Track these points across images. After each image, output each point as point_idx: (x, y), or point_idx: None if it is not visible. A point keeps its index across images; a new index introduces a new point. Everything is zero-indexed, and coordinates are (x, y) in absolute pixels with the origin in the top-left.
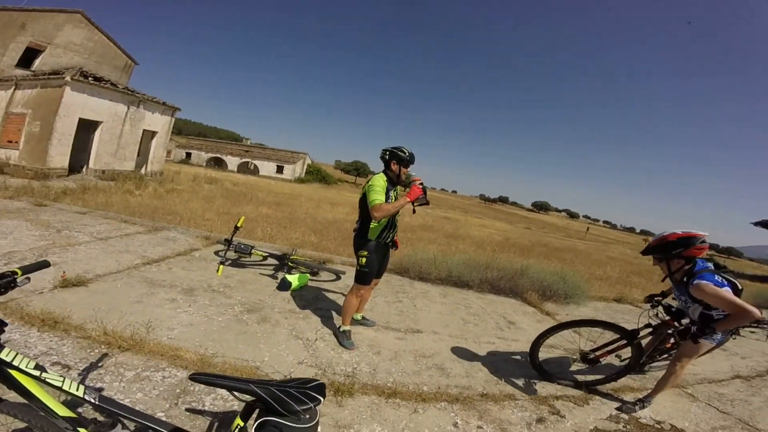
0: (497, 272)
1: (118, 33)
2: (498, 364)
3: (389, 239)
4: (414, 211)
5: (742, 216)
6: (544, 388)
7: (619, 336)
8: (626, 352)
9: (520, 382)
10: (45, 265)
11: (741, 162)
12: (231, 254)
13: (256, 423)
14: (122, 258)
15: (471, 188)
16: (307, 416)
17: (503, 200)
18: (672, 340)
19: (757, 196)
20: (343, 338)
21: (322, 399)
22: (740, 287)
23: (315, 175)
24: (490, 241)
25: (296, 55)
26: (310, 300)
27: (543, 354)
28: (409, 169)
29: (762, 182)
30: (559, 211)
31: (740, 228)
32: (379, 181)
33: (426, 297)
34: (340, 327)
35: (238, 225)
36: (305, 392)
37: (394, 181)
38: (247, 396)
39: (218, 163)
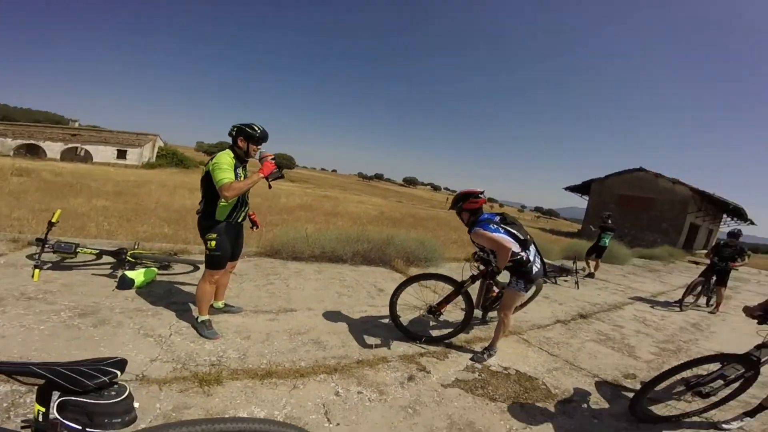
0: (367, 244)
1: None
2: (371, 330)
3: (241, 218)
4: (270, 187)
5: (560, 183)
6: (410, 347)
7: (452, 287)
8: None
9: (391, 345)
10: None
11: (558, 137)
12: (50, 256)
13: (55, 405)
14: None
15: (350, 167)
16: (113, 392)
17: (379, 177)
18: (496, 290)
19: (571, 166)
20: (202, 329)
21: (119, 373)
22: (523, 238)
23: (169, 158)
24: (366, 216)
25: (140, 21)
26: (161, 295)
27: (406, 315)
28: (261, 147)
29: (574, 155)
30: (425, 184)
31: (558, 193)
32: (225, 158)
33: (300, 276)
34: (197, 318)
35: (53, 220)
36: (99, 369)
37: (242, 158)
38: (36, 379)
39: (33, 151)
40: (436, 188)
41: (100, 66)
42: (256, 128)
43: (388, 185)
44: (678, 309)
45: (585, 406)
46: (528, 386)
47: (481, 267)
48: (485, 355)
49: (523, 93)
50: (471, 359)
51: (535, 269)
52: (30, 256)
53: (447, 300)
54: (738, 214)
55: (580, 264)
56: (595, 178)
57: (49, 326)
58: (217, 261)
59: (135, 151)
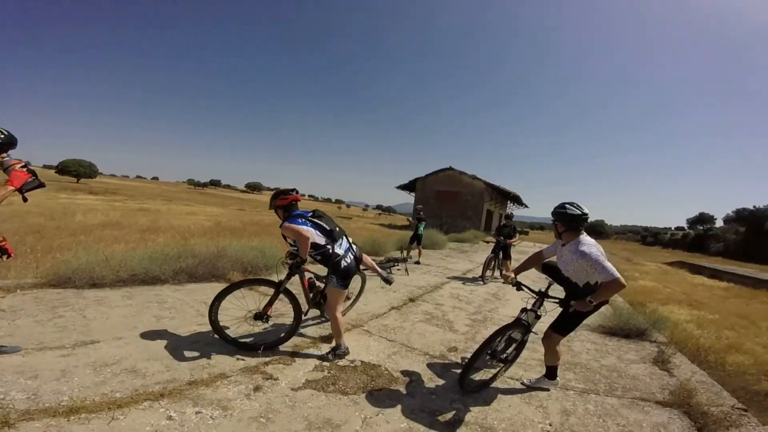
0: (193, 259)
1: None
2: (203, 349)
3: None
4: (25, 200)
5: (396, 182)
6: (252, 358)
7: (272, 288)
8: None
9: (227, 359)
10: None
11: (392, 140)
12: None
13: None
14: None
15: (177, 173)
16: None
17: (215, 184)
18: (321, 285)
19: (404, 167)
20: None
21: None
22: (329, 228)
23: None
24: (198, 229)
25: None
26: None
27: (238, 327)
28: (6, 154)
29: (405, 157)
30: (271, 189)
31: (394, 192)
32: None
33: (102, 304)
34: None
35: None
36: None
37: None
38: None
39: None
40: None
41: None
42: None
43: (228, 192)
44: (482, 283)
45: (423, 383)
46: (374, 374)
47: (289, 261)
48: (330, 356)
49: (367, 101)
50: (318, 358)
51: (344, 263)
52: None
53: (270, 302)
54: (517, 200)
55: (408, 254)
56: (419, 177)
57: None
58: None
59: None
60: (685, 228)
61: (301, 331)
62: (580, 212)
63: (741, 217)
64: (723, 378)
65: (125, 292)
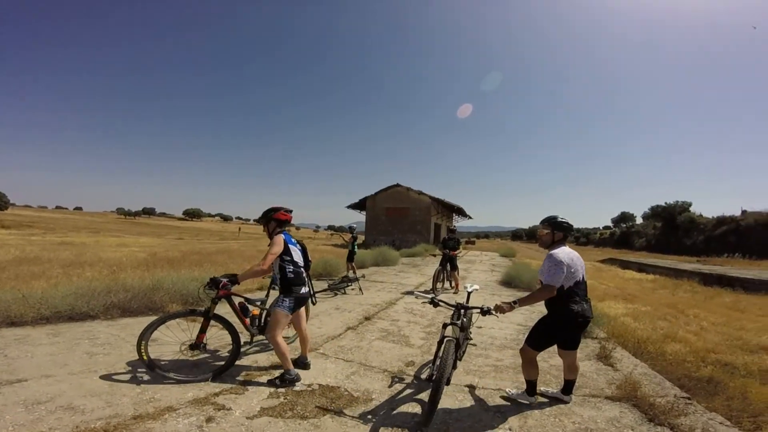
0: (125, 293)
1: None
2: (145, 383)
3: None
4: None
5: (347, 202)
6: (201, 389)
7: (202, 317)
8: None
9: (173, 391)
10: None
11: (344, 158)
12: None
13: None
14: None
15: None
16: None
17: (149, 212)
18: (254, 309)
19: (355, 185)
20: None
21: None
22: (308, 258)
23: None
24: (130, 261)
25: None
26: None
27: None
28: None
29: (356, 175)
30: (213, 215)
31: (344, 211)
32: None
33: (24, 343)
34: None
35: None
36: None
37: None
38: None
39: None
40: (226, 218)
41: None
42: None
43: (164, 221)
44: (433, 295)
45: (384, 400)
46: (333, 396)
47: (209, 291)
48: (277, 381)
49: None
50: (274, 384)
51: (303, 290)
52: None
53: (202, 330)
54: (461, 212)
55: (360, 272)
56: (368, 195)
57: None
58: None
59: None
60: (611, 226)
61: (254, 358)
62: (568, 223)
63: (656, 213)
64: (665, 367)
65: (50, 329)
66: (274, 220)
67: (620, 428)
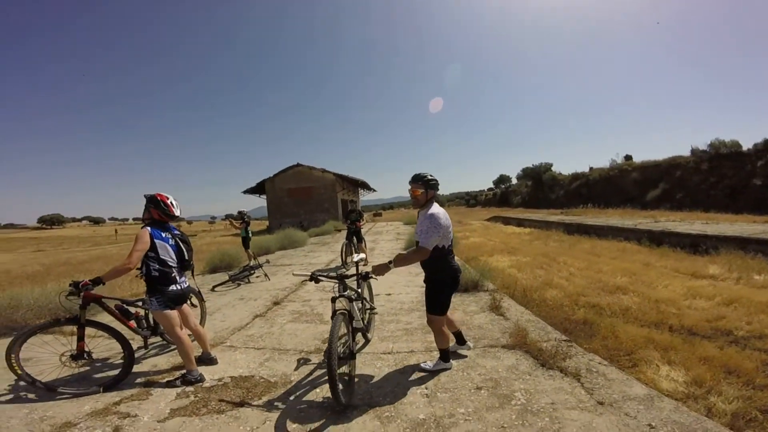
0: None
1: None
2: (31, 403)
3: None
4: None
5: (243, 187)
6: (97, 401)
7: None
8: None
9: (67, 407)
10: None
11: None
12: None
13: None
14: None
15: None
16: None
17: None
18: (134, 309)
19: (250, 170)
20: None
21: None
22: (187, 258)
23: None
24: None
25: None
26: None
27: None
28: None
29: (250, 159)
30: (79, 219)
31: (242, 197)
32: None
33: None
34: None
35: None
36: None
37: None
38: None
39: None
40: (97, 221)
41: None
42: None
43: (13, 233)
44: (344, 270)
45: (304, 380)
46: (248, 386)
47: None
48: (178, 382)
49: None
50: (175, 386)
51: (174, 288)
52: None
53: (79, 338)
54: (365, 186)
55: (263, 258)
56: (266, 178)
57: None
58: None
59: None
60: (493, 187)
61: (153, 361)
62: (436, 180)
63: (527, 174)
64: (547, 313)
65: None
66: (148, 211)
67: (519, 375)
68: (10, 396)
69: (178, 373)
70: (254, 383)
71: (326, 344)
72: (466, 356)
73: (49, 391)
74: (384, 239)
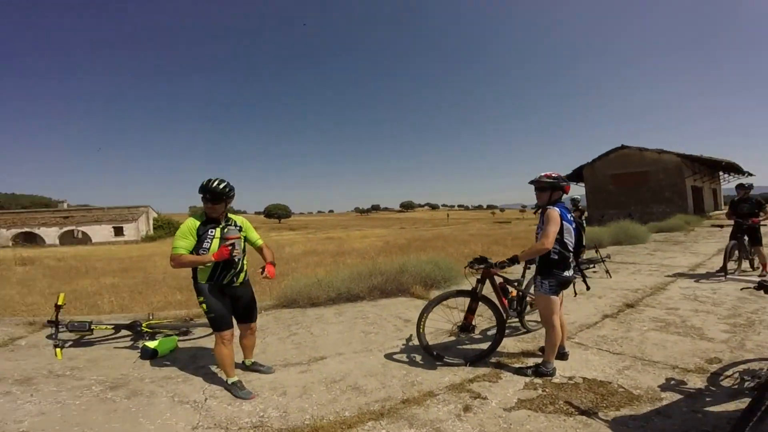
0: (381, 277)
1: None
2: (406, 364)
3: (227, 280)
4: None
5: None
6: (456, 374)
7: (469, 297)
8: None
9: (431, 375)
10: None
11: (546, 133)
12: (69, 335)
13: None
14: None
15: (346, 204)
16: None
17: (376, 208)
18: (513, 290)
19: (561, 157)
20: (235, 390)
21: None
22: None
23: (166, 228)
24: (373, 249)
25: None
26: (187, 361)
27: (440, 340)
28: (216, 205)
29: (563, 146)
30: (422, 205)
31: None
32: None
33: (321, 321)
34: (227, 380)
35: (59, 303)
36: None
37: (215, 218)
38: None
39: (30, 239)
40: (434, 207)
41: (78, 139)
42: (204, 185)
43: (387, 214)
44: (724, 279)
45: (681, 399)
46: (603, 392)
47: (476, 267)
48: (530, 371)
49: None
50: (526, 374)
51: (567, 273)
52: (49, 336)
53: (470, 311)
54: (733, 168)
55: (604, 252)
56: (584, 164)
57: (84, 401)
58: (214, 322)
59: (131, 226)
60: None
61: (503, 342)
62: None
63: None
64: None
65: (336, 309)
66: (549, 190)
67: None
68: (394, 354)
69: (528, 360)
70: (611, 391)
71: (714, 365)
72: None
73: (435, 359)
74: None
